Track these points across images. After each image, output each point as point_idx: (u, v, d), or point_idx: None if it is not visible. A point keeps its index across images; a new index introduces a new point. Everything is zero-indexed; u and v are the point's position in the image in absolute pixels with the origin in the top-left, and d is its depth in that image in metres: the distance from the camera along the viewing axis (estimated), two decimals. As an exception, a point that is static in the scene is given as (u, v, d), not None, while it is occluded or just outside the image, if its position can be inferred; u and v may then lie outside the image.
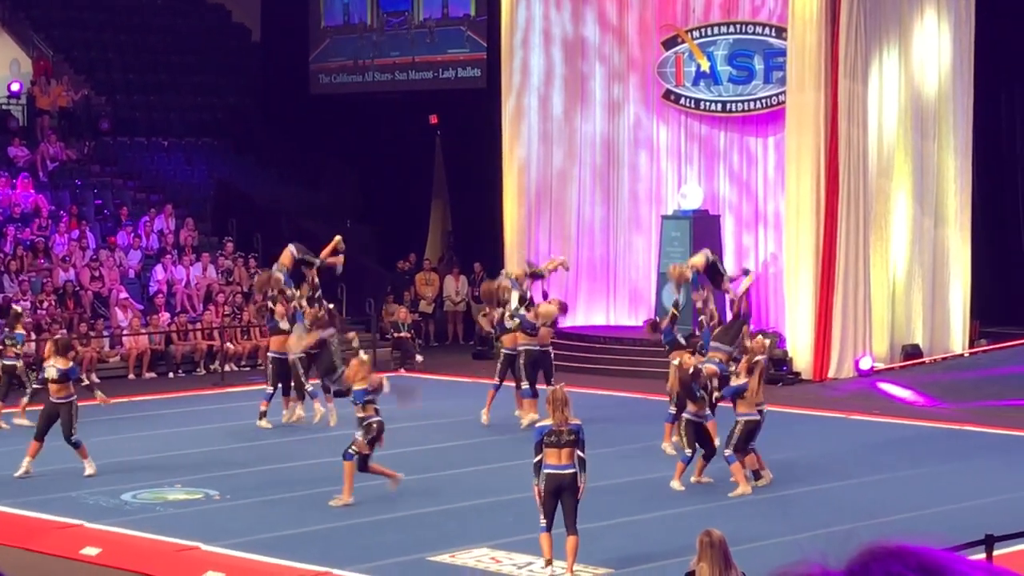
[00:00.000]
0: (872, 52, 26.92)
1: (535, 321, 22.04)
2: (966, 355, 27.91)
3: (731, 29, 29.16)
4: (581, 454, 13.89)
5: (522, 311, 22.16)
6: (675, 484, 17.58)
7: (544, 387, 22.37)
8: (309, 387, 22.11)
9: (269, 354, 22.61)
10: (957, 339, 28.12)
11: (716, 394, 18.47)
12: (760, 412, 17.72)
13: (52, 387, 18.61)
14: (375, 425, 16.85)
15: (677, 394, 18.52)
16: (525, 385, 21.92)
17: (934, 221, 27.92)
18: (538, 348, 22.03)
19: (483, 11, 32.75)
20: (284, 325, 22.26)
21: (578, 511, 13.90)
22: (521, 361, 21.92)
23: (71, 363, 18.80)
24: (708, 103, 29.48)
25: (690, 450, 17.62)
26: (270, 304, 22.55)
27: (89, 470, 18.45)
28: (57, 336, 18.75)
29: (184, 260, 30.98)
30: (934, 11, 27.67)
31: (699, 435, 17.73)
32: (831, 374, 26.53)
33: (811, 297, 26.68)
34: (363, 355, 18.38)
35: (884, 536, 1.62)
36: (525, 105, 30.45)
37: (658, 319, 21.97)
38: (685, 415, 17.85)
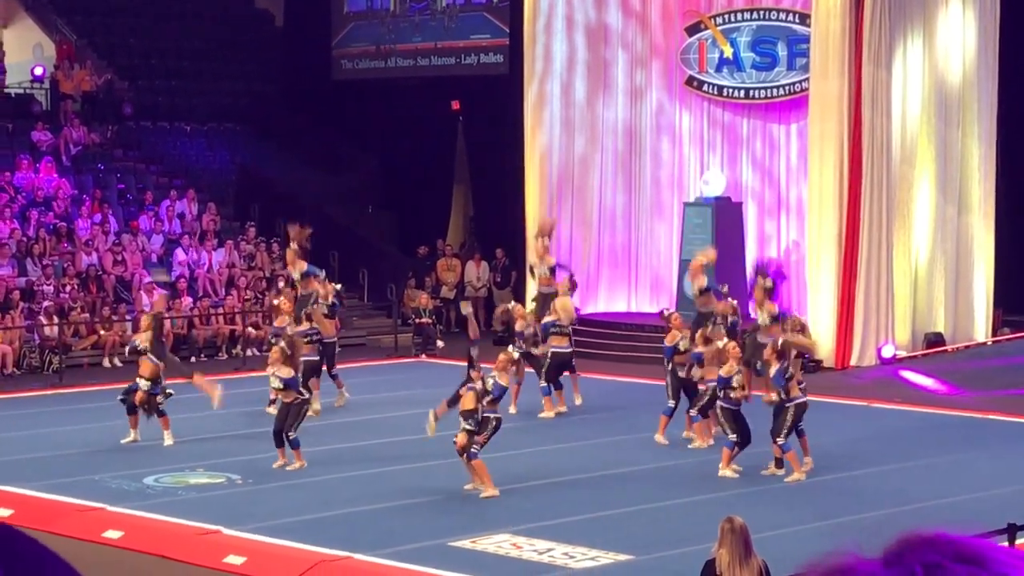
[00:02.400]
0: (896, 39, 26.82)
1: (562, 321, 22.09)
2: (989, 343, 27.83)
3: (755, 15, 29.08)
4: None
5: (547, 319, 22.31)
6: (727, 472, 17.66)
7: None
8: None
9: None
10: (980, 327, 28.03)
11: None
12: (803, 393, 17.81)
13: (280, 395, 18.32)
14: (494, 422, 16.93)
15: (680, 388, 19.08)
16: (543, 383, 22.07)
17: (957, 209, 27.83)
18: (568, 350, 22.32)
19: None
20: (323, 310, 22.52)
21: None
22: (548, 362, 21.93)
23: (294, 373, 18.40)
24: (731, 90, 29.41)
25: (734, 435, 17.63)
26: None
27: (297, 464, 18.17)
28: (281, 343, 18.61)
29: (206, 245, 31.03)
30: (959, -2, 27.56)
31: (737, 421, 17.71)
32: (853, 362, 26.48)
33: (833, 285, 26.62)
34: (512, 350, 18.91)
35: (917, 524, 1.61)
36: (547, 91, 30.40)
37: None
38: (721, 403, 17.80)
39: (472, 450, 16.70)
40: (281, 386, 18.19)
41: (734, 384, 17.74)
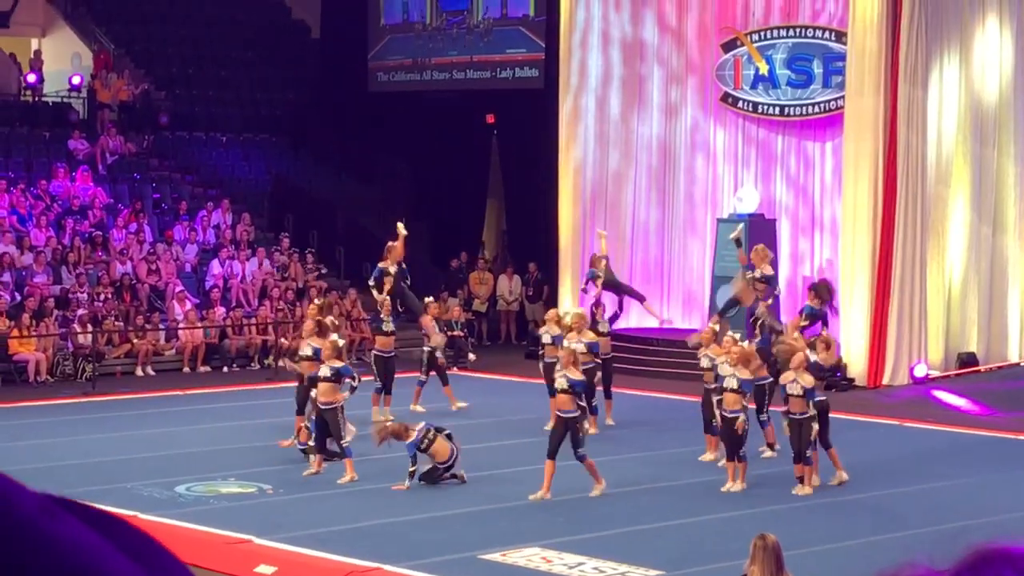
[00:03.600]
0: (932, 57, 26.76)
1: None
2: (1022, 364, 27.69)
3: (791, 33, 29.05)
4: None
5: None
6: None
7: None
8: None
9: (374, 352, 23.04)
10: (1014, 348, 27.90)
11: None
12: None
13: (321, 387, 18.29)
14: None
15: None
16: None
17: (992, 229, 27.72)
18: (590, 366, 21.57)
19: (542, 11, 32.72)
20: (388, 327, 22.63)
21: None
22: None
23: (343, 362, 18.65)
24: (766, 107, 29.38)
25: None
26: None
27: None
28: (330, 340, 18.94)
29: (240, 255, 31.13)
30: (996, 16, 27.48)
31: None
32: (885, 381, 26.39)
33: (867, 303, 26.55)
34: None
35: (992, 537, 1.58)
36: (582, 106, 30.43)
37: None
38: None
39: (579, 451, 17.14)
40: (330, 373, 18.17)
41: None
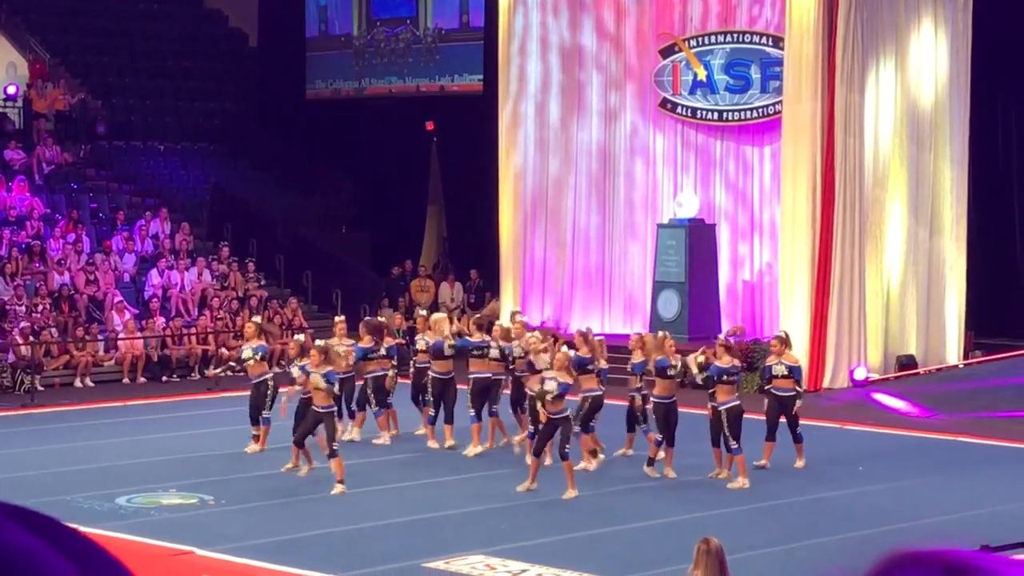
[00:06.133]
0: (869, 62, 26.95)
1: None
2: (960, 366, 27.90)
3: (728, 38, 29.19)
4: None
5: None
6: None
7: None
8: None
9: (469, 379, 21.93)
10: (952, 350, 28.11)
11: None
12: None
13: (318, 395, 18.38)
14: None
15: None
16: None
17: (929, 232, 27.93)
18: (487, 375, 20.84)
19: (481, 19, 32.77)
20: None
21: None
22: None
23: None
24: (705, 112, 29.50)
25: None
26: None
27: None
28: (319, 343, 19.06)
29: (179, 265, 30.95)
30: (931, 22, 27.71)
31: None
32: (825, 384, 26.53)
33: (806, 307, 26.69)
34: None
35: (896, 544, 1.59)
36: (522, 112, 30.46)
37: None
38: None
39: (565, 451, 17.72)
40: (324, 385, 18.24)
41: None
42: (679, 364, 18.80)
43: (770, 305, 28.48)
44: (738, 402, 18.61)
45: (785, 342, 20.11)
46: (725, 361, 18.60)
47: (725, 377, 18.49)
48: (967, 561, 1.49)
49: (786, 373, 19.41)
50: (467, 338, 21.06)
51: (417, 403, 21.59)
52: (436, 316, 22.30)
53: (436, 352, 20.89)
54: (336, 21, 35.43)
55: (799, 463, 19.61)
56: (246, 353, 20.40)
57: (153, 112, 36.55)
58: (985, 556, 1.52)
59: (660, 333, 19.88)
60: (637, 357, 19.65)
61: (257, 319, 22.83)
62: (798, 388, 19.57)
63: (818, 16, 26.47)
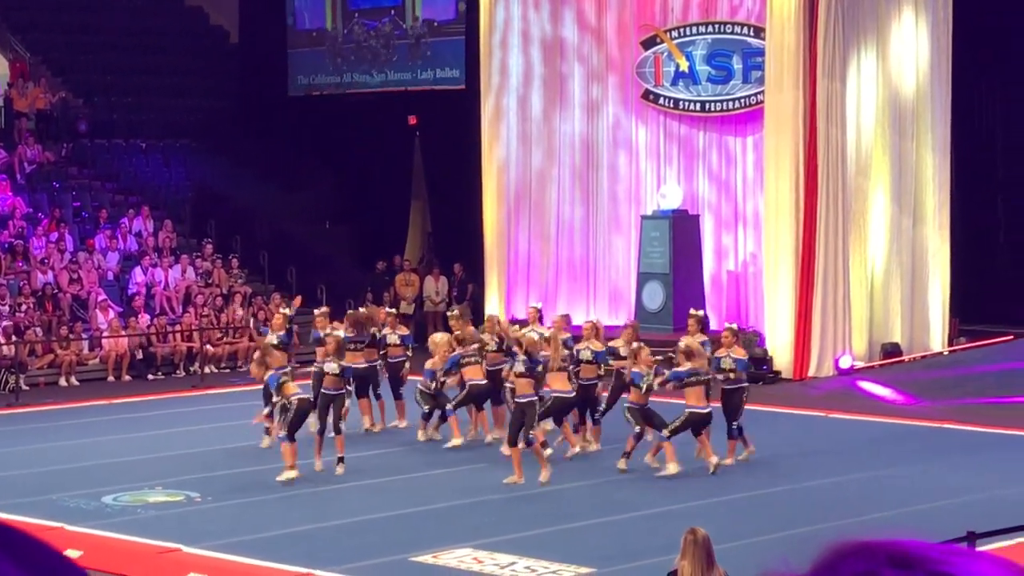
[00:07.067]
0: (850, 51, 26.98)
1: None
2: (945, 353, 27.98)
3: (709, 29, 29.19)
4: None
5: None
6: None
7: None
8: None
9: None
10: (936, 337, 28.18)
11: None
12: None
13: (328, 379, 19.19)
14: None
15: None
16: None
17: (912, 219, 27.98)
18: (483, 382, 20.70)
19: (462, 12, 32.74)
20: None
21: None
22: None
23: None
24: (687, 103, 29.51)
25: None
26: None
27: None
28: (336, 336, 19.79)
29: (163, 262, 30.90)
30: (912, 10, 27.74)
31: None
32: (811, 373, 26.58)
33: (791, 296, 26.73)
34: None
35: (856, 534, 1.58)
36: (504, 106, 30.44)
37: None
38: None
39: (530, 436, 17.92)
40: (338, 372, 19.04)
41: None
42: (650, 377, 18.49)
43: (755, 295, 28.52)
44: (708, 410, 18.28)
45: (737, 335, 19.96)
46: (685, 367, 18.40)
47: (687, 379, 18.28)
48: (911, 551, 1.49)
49: (732, 366, 19.26)
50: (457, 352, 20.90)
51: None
52: (438, 340, 21.76)
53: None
54: (305, 13, 35.32)
55: (727, 460, 18.91)
56: (271, 339, 20.61)
57: (135, 110, 36.46)
58: (929, 546, 1.51)
59: (636, 344, 19.16)
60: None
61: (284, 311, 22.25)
62: (743, 383, 19.31)
63: (799, 6, 26.49)
